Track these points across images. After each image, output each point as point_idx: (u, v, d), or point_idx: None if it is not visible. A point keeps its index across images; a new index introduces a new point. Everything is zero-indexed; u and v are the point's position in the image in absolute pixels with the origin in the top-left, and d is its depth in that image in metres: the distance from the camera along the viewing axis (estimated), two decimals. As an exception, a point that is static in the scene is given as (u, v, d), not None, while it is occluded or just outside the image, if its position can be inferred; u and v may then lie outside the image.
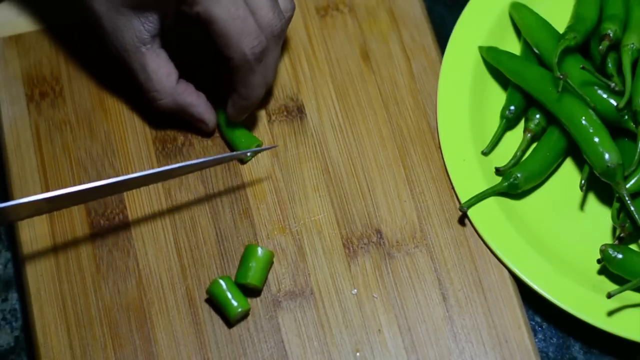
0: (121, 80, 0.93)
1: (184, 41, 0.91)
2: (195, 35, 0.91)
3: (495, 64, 0.93)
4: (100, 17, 0.86)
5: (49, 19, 0.95)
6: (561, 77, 0.87)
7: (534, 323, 0.88)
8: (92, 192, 0.83)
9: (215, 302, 0.85)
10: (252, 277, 0.85)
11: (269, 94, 0.93)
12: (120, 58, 0.88)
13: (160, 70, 0.87)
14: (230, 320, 0.85)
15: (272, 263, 0.86)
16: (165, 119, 0.92)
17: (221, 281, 0.85)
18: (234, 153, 0.89)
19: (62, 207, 0.84)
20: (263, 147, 0.90)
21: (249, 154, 0.89)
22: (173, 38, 0.90)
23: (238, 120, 0.90)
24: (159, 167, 0.91)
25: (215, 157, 0.87)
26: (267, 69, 0.88)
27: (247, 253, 0.86)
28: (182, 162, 0.91)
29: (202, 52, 0.92)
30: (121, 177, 0.83)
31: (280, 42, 0.88)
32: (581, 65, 0.88)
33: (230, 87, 0.88)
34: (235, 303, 0.84)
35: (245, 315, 0.85)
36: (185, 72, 0.90)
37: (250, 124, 0.92)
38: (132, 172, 0.90)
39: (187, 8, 0.84)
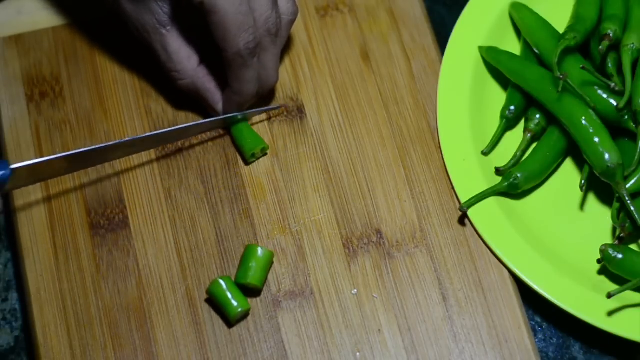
0: (121, 80, 0.93)
1: (200, 30, 0.92)
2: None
3: (495, 64, 0.93)
4: (121, 2, 0.88)
5: (59, 15, 0.96)
6: (561, 77, 0.87)
7: (534, 323, 0.88)
8: (83, 157, 0.86)
9: (215, 302, 0.85)
10: (252, 277, 0.85)
11: (271, 95, 0.93)
12: (143, 39, 0.90)
13: (181, 52, 0.89)
14: (230, 320, 0.85)
15: (272, 263, 0.86)
16: (161, 115, 0.92)
17: (221, 281, 0.85)
18: (224, 116, 0.90)
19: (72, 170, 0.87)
20: (268, 107, 0.92)
21: (239, 116, 0.91)
22: (194, 26, 0.90)
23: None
24: (159, 167, 0.91)
25: (204, 121, 0.90)
26: (264, 68, 0.88)
27: (247, 253, 0.86)
28: (182, 162, 0.91)
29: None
30: (113, 141, 0.87)
31: (278, 42, 0.88)
32: (581, 65, 0.88)
33: (225, 82, 0.89)
34: (235, 303, 0.84)
35: (245, 315, 0.85)
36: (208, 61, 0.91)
37: (250, 124, 0.92)
38: (132, 172, 0.90)
39: None
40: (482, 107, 0.93)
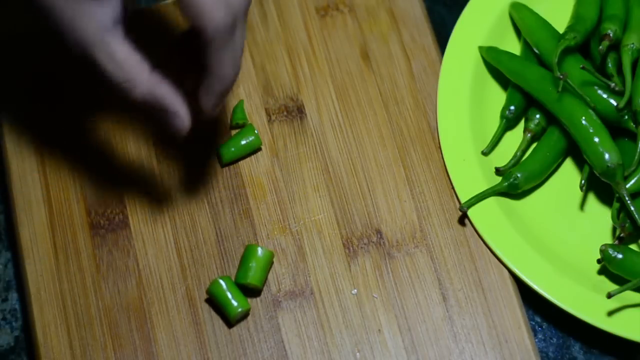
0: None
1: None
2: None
3: (495, 64, 0.93)
4: (54, 9, 0.78)
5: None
6: (561, 77, 0.87)
7: (534, 323, 0.88)
8: None
9: (215, 302, 0.85)
10: (252, 277, 0.85)
11: (270, 96, 0.93)
12: (83, 51, 0.79)
13: (131, 58, 0.79)
14: (230, 320, 0.85)
15: (272, 263, 0.86)
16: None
17: (221, 281, 0.85)
18: None
19: None
20: None
21: None
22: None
23: (212, 112, 0.83)
24: (159, 167, 0.91)
25: None
26: (235, 49, 0.80)
27: (247, 253, 0.86)
28: (182, 162, 0.91)
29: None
30: None
31: (243, 23, 0.81)
32: (581, 65, 0.88)
33: (203, 73, 0.81)
34: (235, 303, 0.84)
35: (245, 315, 0.85)
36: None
37: (250, 122, 0.92)
38: (132, 172, 0.90)
39: None
40: (482, 107, 0.93)
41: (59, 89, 0.93)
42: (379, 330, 0.85)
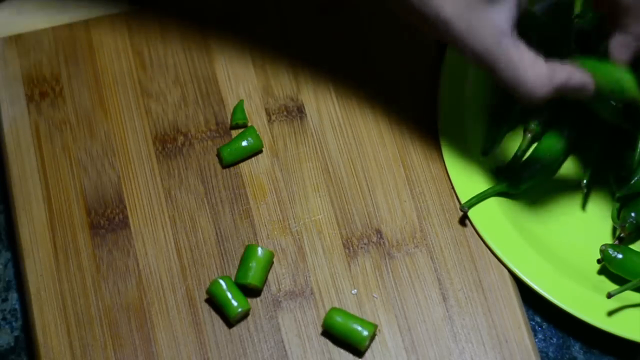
0: (121, 80, 0.93)
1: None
2: None
3: None
4: (451, 21, 0.79)
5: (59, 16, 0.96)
6: None
7: (534, 323, 0.88)
8: None
9: (215, 302, 0.85)
10: (252, 277, 0.85)
11: (270, 96, 0.93)
12: (480, 58, 0.79)
13: (526, 60, 0.79)
14: (230, 320, 0.85)
15: (272, 263, 0.86)
16: (161, 115, 0.92)
17: (221, 281, 0.85)
18: None
19: None
20: None
21: None
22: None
23: (627, 61, 0.83)
24: (159, 167, 0.91)
25: None
26: None
27: (247, 253, 0.86)
28: (182, 162, 0.91)
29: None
30: None
31: None
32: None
33: (617, 32, 0.82)
34: (235, 303, 0.84)
35: (245, 315, 0.85)
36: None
37: (250, 124, 0.92)
38: (132, 172, 0.90)
39: None
40: (482, 107, 0.93)
41: (59, 88, 0.93)
42: (379, 330, 0.85)
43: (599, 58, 0.83)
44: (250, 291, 0.86)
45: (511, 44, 0.78)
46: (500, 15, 0.78)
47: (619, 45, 0.82)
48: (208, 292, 0.85)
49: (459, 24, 0.78)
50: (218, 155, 0.90)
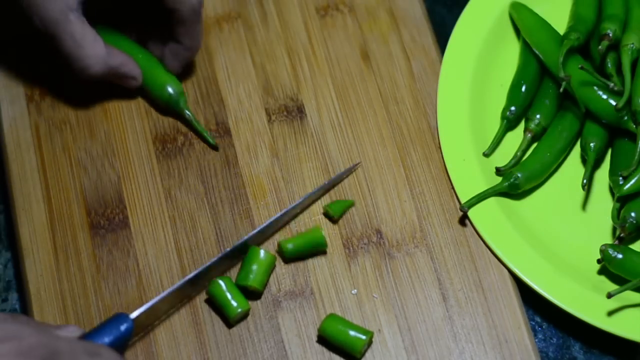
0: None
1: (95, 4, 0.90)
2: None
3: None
4: None
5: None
6: (565, 78, 0.87)
7: (534, 323, 0.88)
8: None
9: (215, 303, 0.85)
10: (253, 280, 0.85)
11: (270, 96, 0.93)
12: (46, 29, 0.85)
13: (89, 37, 0.86)
14: (230, 320, 0.85)
15: (274, 267, 0.86)
16: (161, 115, 0.92)
17: (221, 281, 0.85)
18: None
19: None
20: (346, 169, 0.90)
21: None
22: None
23: (177, 72, 0.92)
24: (159, 167, 0.91)
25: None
26: (201, 23, 0.90)
27: (250, 255, 0.86)
28: (182, 162, 0.91)
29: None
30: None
31: None
32: (580, 66, 0.88)
33: (171, 41, 0.90)
34: (235, 303, 0.84)
35: (245, 316, 0.85)
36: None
37: (250, 124, 0.92)
38: (132, 172, 0.90)
39: None
40: (482, 107, 0.93)
41: (59, 88, 0.93)
42: (379, 330, 0.85)
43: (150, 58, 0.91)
44: (250, 293, 0.86)
45: (77, 20, 0.85)
46: None
47: (172, 54, 0.91)
48: (208, 292, 0.85)
49: None
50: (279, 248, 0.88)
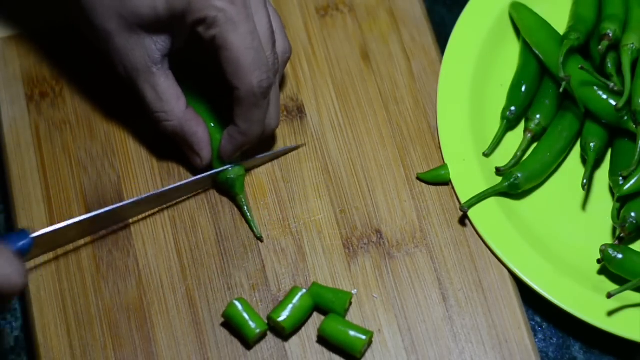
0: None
1: (186, 66, 0.89)
2: (200, 60, 0.89)
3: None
4: (111, 36, 0.85)
5: (45, 21, 0.96)
6: (565, 78, 0.87)
7: (534, 323, 0.88)
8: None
9: (232, 324, 0.84)
10: (285, 321, 0.83)
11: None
12: (129, 77, 0.86)
13: (170, 92, 0.86)
14: (249, 342, 0.84)
15: (311, 313, 0.85)
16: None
17: (237, 303, 0.83)
18: (225, 168, 0.88)
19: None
20: (284, 148, 0.90)
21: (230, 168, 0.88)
22: (177, 61, 0.88)
23: (230, 158, 0.87)
24: (159, 167, 0.91)
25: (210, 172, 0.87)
26: (269, 109, 0.86)
27: (291, 294, 0.84)
28: (182, 162, 0.91)
29: (203, 80, 0.91)
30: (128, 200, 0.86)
31: (277, 82, 0.87)
32: (580, 66, 0.88)
33: (230, 121, 0.86)
34: (253, 325, 0.83)
35: (263, 336, 0.84)
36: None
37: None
38: (132, 172, 0.90)
39: (203, 30, 0.82)
40: (482, 107, 0.93)
41: (59, 88, 0.93)
42: (379, 330, 0.85)
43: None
44: (273, 329, 0.84)
45: (160, 72, 0.85)
46: (154, 44, 0.84)
47: (228, 135, 0.86)
48: (224, 315, 0.84)
49: (119, 39, 0.84)
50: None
